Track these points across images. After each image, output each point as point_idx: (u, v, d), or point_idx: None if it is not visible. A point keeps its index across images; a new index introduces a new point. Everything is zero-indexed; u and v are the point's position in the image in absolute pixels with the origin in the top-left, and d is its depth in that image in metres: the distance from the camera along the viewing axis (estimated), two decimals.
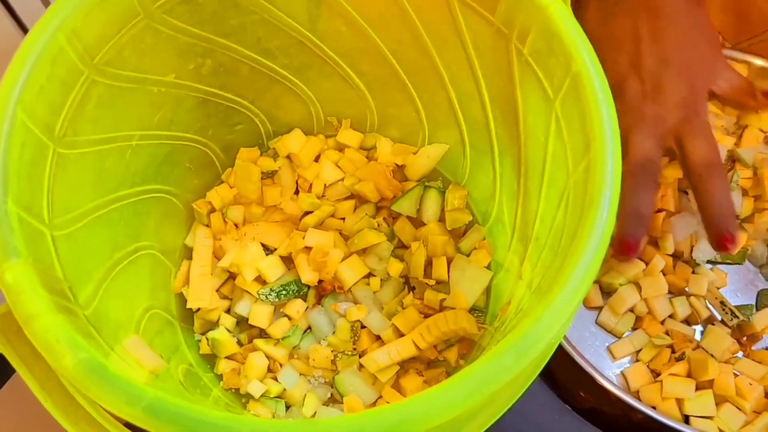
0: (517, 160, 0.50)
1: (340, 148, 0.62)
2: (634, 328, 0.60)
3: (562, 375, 0.61)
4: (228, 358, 0.56)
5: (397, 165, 0.61)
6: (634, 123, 0.55)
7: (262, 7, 0.48)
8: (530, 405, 0.61)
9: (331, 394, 0.55)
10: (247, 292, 0.56)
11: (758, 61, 0.68)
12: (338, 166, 0.61)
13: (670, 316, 0.59)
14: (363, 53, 0.53)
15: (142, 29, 0.43)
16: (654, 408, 0.55)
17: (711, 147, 0.54)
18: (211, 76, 0.51)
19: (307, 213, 0.59)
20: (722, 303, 0.59)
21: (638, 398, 0.55)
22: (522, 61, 0.43)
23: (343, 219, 0.59)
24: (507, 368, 0.31)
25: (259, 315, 0.54)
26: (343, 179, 0.60)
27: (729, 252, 0.53)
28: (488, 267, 0.57)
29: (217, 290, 0.57)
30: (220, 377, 0.55)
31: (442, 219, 0.60)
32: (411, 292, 0.57)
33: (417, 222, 0.60)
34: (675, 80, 0.55)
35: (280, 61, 0.54)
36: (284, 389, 0.54)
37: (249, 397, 0.54)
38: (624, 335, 0.59)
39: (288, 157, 0.61)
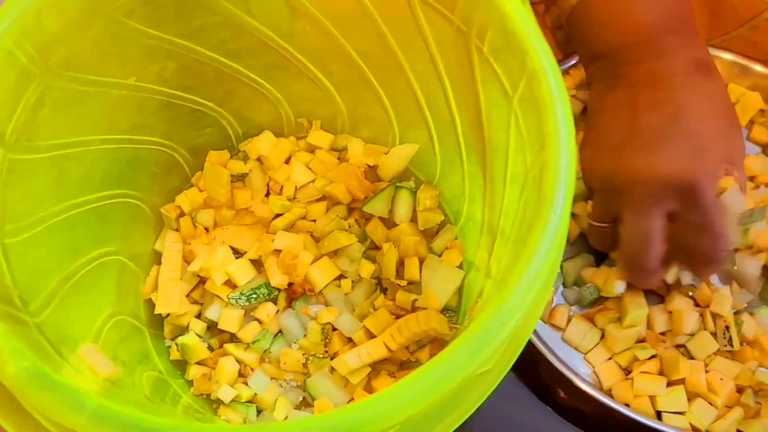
0: (483, 158, 0.49)
1: (311, 149, 0.62)
2: None
3: (539, 373, 0.61)
4: (199, 363, 0.55)
5: (369, 166, 0.61)
6: (628, 202, 0.51)
7: (225, 8, 0.48)
8: (508, 403, 0.61)
9: (303, 398, 0.55)
10: (217, 296, 0.55)
11: (727, 56, 0.68)
12: (309, 168, 0.60)
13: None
14: (330, 54, 0.53)
15: (101, 31, 0.43)
16: (627, 405, 0.55)
17: (710, 241, 0.50)
18: (174, 78, 0.51)
19: (278, 215, 0.58)
20: (727, 327, 0.57)
21: (611, 396, 0.55)
22: (482, 59, 0.43)
23: (315, 221, 0.59)
24: (461, 366, 0.31)
25: (229, 319, 0.54)
26: (314, 181, 0.60)
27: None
28: (460, 266, 0.57)
29: (187, 295, 0.57)
30: (190, 383, 0.55)
31: (414, 219, 0.59)
32: (383, 294, 0.57)
33: (389, 223, 0.59)
34: (675, 150, 0.49)
35: (246, 62, 0.53)
36: (255, 394, 0.54)
37: (220, 402, 0.53)
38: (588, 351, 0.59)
39: (258, 159, 0.60)
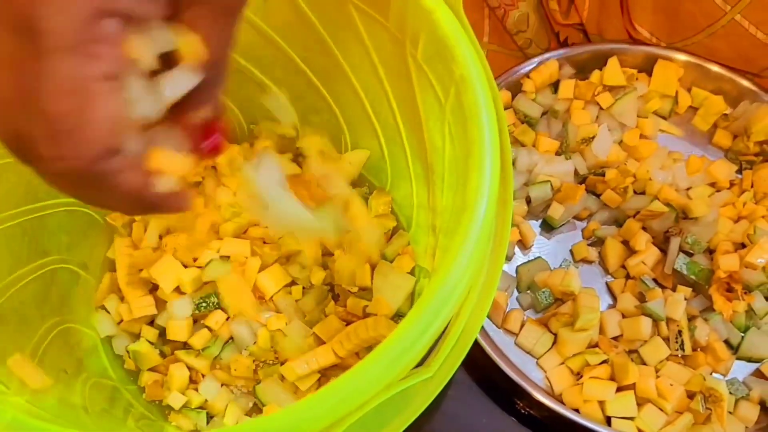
0: (426, 164, 0.49)
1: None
2: None
3: (494, 380, 0.61)
4: (151, 370, 0.55)
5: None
6: None
7: None
8: (465, 409, 0.61)
9: (254, 404, 0.55)
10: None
11: (689, 59, 0.68)
12: None
13: None
14: (274, 60, 0.53)
15: None
16: (578, 411, 0.55)
17: None
18: None
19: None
20: (680, 332, 0.57)
21: (562, 401, 0.55)
22: (417, 66, 0.43)
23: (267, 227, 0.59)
24: (375, 380, 0.30)
25: (177, 328, 0.54)
26: None
27: None
28: (412, 272, 0.57)
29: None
30: (143, 390, 0.55)
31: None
32: (335, 300, 0.57)
33: None
34: None
35: None
36: (206, 400, 0.54)
37: (171, 409, 0.53)
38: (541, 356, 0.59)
39: (213, 167, 0.60)
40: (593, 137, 0.66)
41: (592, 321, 0.56)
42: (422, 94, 0.44)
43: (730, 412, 0.54)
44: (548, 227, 0.65)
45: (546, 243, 0.64)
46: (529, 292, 0.61)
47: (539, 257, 0.62)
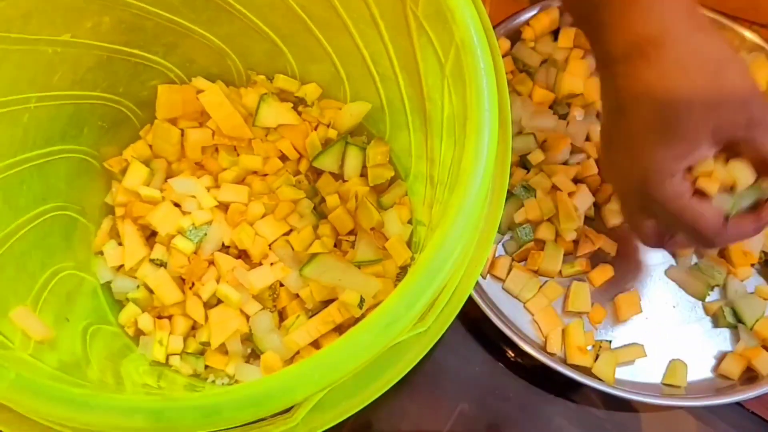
0: (424, 117, 0.49)
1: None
2: None
3: (483, 329, 0.63)
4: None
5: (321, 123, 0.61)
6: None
7: None
8: (460, 355, 0.63)
9: (252, 350, 0.56)
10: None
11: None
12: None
13: None
14: (272, 8, 0.52)
15: None
16: (562, 359, 0.57)
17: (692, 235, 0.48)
18: (112, 33, 0.50)
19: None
20: None
21: (545, 345, 0.59)
22: (418, 24, 0.42)
23: (266, 175, 0.59)
24: (367, 346, 0.32)
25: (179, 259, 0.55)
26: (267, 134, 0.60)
27: None
28: (409, 222, 0.58)
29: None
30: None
31: (365, 174, 0.60)
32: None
33: (340, 179, 0.60)
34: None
35: (187, 15, 0.52)
36: (204, 346, 0.55)
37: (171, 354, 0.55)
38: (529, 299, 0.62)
39: None
40: (580, 94, 0.66)
41: (574, 220, 0.61)
42: (422, 51, 0.44)
43: None
44: (524, 168, 0.66)
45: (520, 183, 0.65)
46: (509, 232, 0.62)
47: (513, 195, 0.64)
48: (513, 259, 0.63)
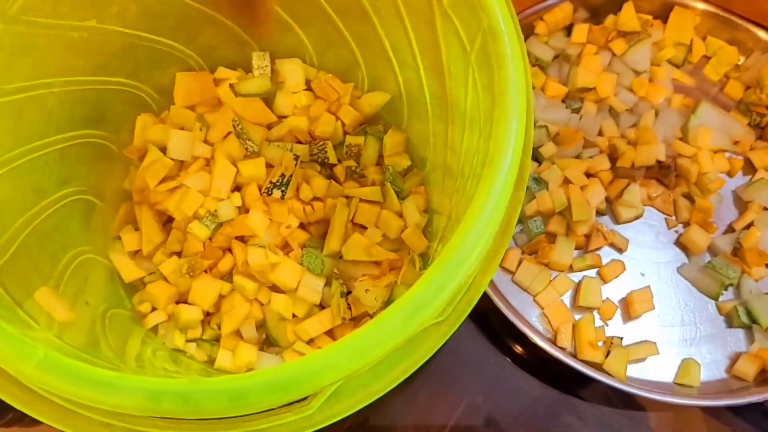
0: (446, 106, 0.49)
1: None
2: None
3: (493, 324, 0.63)
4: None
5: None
6: None
7: None
8: (467, 348, 0.63)
9: (266, 336, 0.56)
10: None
11: (707, 7, 0.68)
12: None
13: None
14: None
15: None
16: (572, 354, 0.58)
17: None
18: (137, 19, 0.50)
19: (246, 157, 0.59)
20: None
21: (554, 339, 0.59)
22: (442, 11, 0.42)
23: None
24: (394, 332, 0.32)
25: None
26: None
27: None
28: (426, 211, 0.58)
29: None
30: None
31: (380, 163, 0.60)
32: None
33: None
34: None
35: (210, 3, 0.52)
36: (219, 333, 0.56)
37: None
38: (539, 292, 0.62)
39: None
40: (593, 88, 0.67)
41: (586, 213, 0.60)
42: (446, 38, 0.44)
43: None
44: (535, 160, 0.67)
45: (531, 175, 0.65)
46: (519, 225, 0.63)
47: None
48: (523, 252, 0.64)
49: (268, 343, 0.56)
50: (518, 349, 0.63)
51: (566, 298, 0.63)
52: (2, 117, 0.42)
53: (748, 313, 0.62)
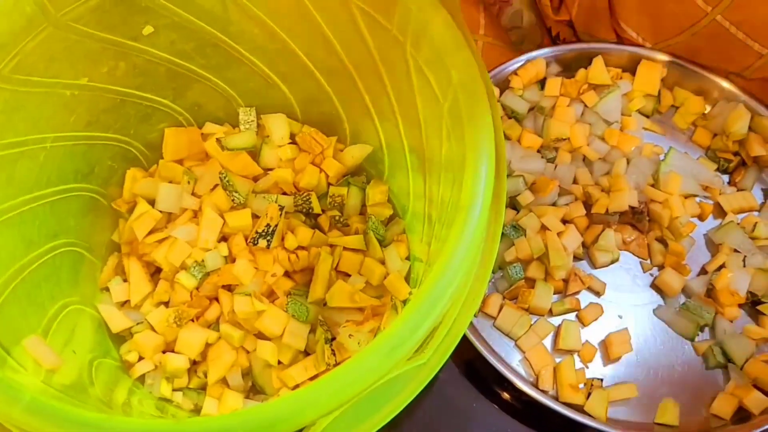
0: (423, 158, 0.52)
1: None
2: None
3: (477, 370, 0.64)
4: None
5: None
6: None
7: (172, 11, 0.50)
8: (452, 393, 0.64)
9: (252, 385, 0.57)
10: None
11: (672, 59, 0.71)
12: None
13: None
14: (278, 54, 0.55)
15: (48, 36, 0.44)
16: (554, 397, 0.59)
17: None
18: (126, 77, 0.52)
19: (232, 208, 0.60)
20: None
21: (536, 383, 0.60)
22: (417, 67, 0.45)
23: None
24: (374, 368, 0.33)
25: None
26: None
27: None
28: (408, 259, 0.60)
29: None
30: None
31: (363, 213, 0.62)
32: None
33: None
34: None
35: (197, 61, 0.55)
36: (206, 381, 0.56)
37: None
38: (520, 336, 0.63)
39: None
40: (567, 138, 0.70)
41: (563, 258, 0.62)
42: (421, 92, 0.47)
43: None
44: (513, 209, 0.69)
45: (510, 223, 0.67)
46: (499, 271, 0.64)
47: (503, 234, 0.65)
48: (504, 297, 0.65)
49: (254, 390, 0.57)
50: (504, 395, 0.64)
51: (547, 342, 0.64)
52: None
53: (724, 353, 0.63)
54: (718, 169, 0.71)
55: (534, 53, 0.73)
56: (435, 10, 0.41)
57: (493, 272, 0.66)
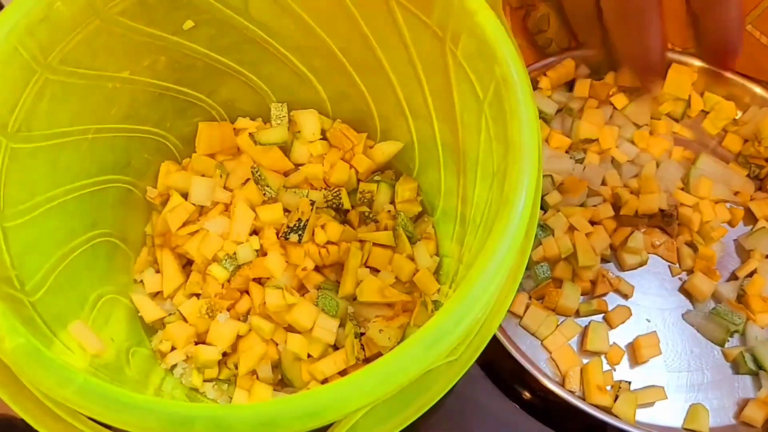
0: (457, 155, 0.52)
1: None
2: None
3: (500, 370, 0.64)
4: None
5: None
6: None
7: (214, 7, 0.50)
8: (474, 391, 0.64)
9: (281, 378, 0.57)
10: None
11: (696, 62, 0.71)
12: None
13: None
14: (313, 50, 0.55)
15: (96, 29, 0.45)
16: (581, 398, 0.59)
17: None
18: (166, 71, 0.53)
19: (264, 203, 0.61)
20: None
21: (563, 383, 0.60)
22: (456, 63, 0.45)
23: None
24: (416, 360, 0.33)
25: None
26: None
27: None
28: (436, 255, 0.60)
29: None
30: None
31: (390, 210, 0.62)
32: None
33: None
34: None
35: (234, 57, 0.56)
36: (235, 371, 0.57)
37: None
38: (546, 336, 0.63)
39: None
40: (596, 140, 0.70)
41: (593, 259, 0.62)
42: (459, 89, 0.47)
43: None
44: (541, 208, 0.68)
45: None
46: (527, 271, 0.64)
47: None
48: (530, 297, 0.65)
49: (282, 384, 0.57)
50: (526, 394, 0.64)
51: (573, 343, 0.64)
52: (42, 159, 0.45)
53: (755, 360, 0.62)
54: (748, 175, 0.70)
55: (564, 54, 0.73)
56: (477, 3, 0.41)
57: None
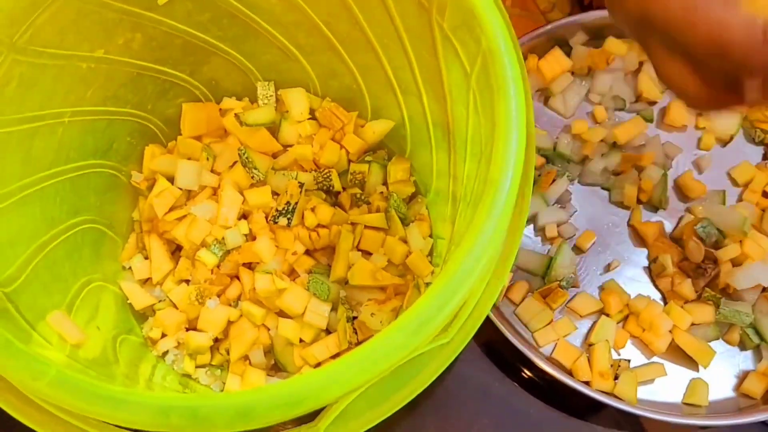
0: (447, 132, 0.50)
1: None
2: None
3: (500, 349, 0.63)
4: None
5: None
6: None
7: None
8: (474, 371, 0.63)
9: (274, 363, 0.57)
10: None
11: None
12: None
13: None
14: (297, 25, 0.53)
15: (62, 6, 0.43)
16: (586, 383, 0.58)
17: None
18: (142, 50, 0.51)
19: (252, 185, 0.59)
20: None
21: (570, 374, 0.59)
22: (443, 35, 0.43)
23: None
24: (399, 347, 0.32)
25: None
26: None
27: None
28: (430, 236, 0.59)
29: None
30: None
31: (384, 191, 0.61)
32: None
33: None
34: None
35: (214, 33, 0.54)
36: (227, 359, 0.56)
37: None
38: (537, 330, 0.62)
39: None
40: None
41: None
42: (447, 62, 0.45)
43: None
44: None
45: None
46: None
47: None
48: (531, 291, 0.64)
49: (275, 368, 0.57)
50: (526, 373, 0.63)
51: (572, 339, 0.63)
52: (13, 146, 0.43)
53: (757, 333, 0.61)
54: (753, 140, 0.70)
55: (561, 21, 0.70)
56: None
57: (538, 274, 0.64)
